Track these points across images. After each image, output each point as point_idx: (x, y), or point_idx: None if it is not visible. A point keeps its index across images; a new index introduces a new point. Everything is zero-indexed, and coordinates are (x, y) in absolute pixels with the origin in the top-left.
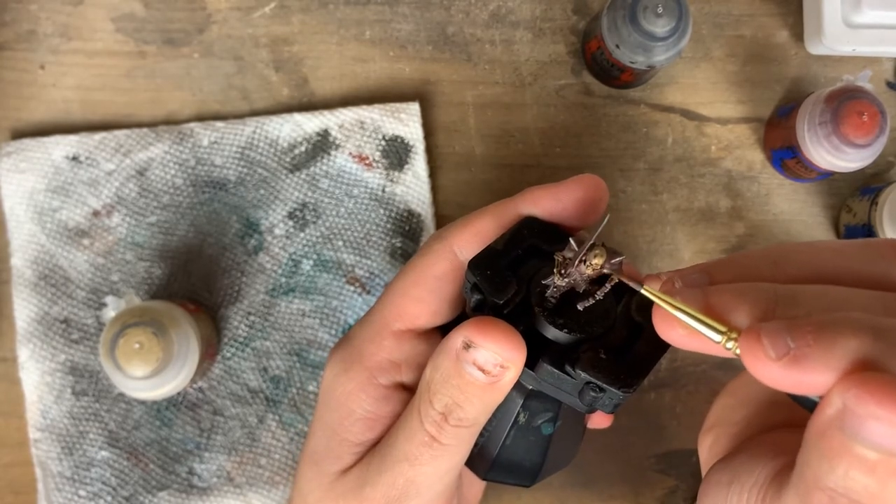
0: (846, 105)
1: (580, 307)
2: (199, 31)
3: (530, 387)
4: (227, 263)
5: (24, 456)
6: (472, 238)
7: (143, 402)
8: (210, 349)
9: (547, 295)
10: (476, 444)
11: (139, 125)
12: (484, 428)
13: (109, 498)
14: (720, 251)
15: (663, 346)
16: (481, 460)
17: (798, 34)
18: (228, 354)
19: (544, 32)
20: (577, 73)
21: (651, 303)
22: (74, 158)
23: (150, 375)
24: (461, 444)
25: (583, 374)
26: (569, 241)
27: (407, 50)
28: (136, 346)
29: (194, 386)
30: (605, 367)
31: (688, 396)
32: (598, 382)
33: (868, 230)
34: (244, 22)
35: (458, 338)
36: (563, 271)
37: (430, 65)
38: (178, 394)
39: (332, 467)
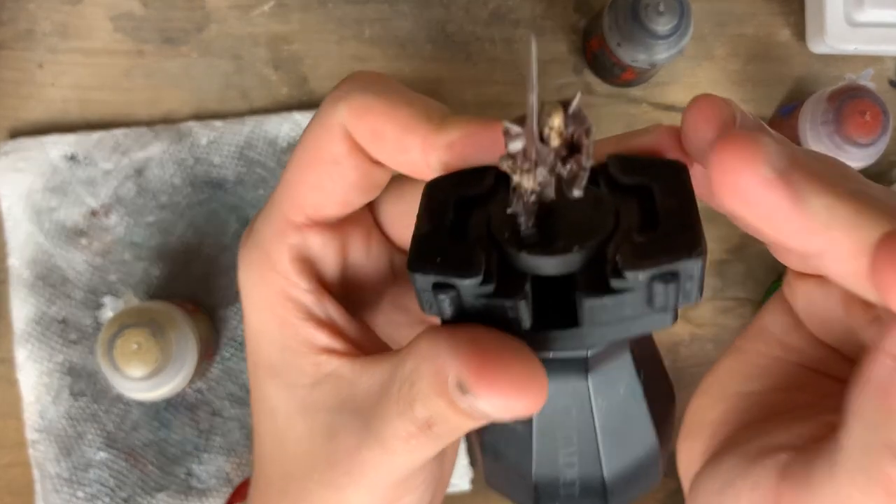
0: (848, 104)
1: (577, 193)
2: (197, 30)
3: (588, 353)
4: (226, 263)
5: (21, 457)
6: (361, 111)
7: (141, 403)
8: (208, 350)
9: (523, 232)
10: (572, 495)
11: (137, 124)
12: (571, 463)
13: (107, 499)
14: (722, 251)
15: (687, 185)
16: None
17: (800, 33)
18: (227, 355)
19: (545, 31)
20: (578, 72)
21: (634, 158)
22: (72, 158)
23: (148, 376)
24: (448, 440)
25: (639, 274)
26: (504, 128)
27: (406, 49)
28: (135, 346)
29: (193, 387)
30: (654, 247)
31: (688, 397)
32: (663, 268)
33: None
34: (243, 21)
35: (446, 368)
36: (525, 167)
37: (430, 64)
38: (177, 395)
39: (299, 380)
